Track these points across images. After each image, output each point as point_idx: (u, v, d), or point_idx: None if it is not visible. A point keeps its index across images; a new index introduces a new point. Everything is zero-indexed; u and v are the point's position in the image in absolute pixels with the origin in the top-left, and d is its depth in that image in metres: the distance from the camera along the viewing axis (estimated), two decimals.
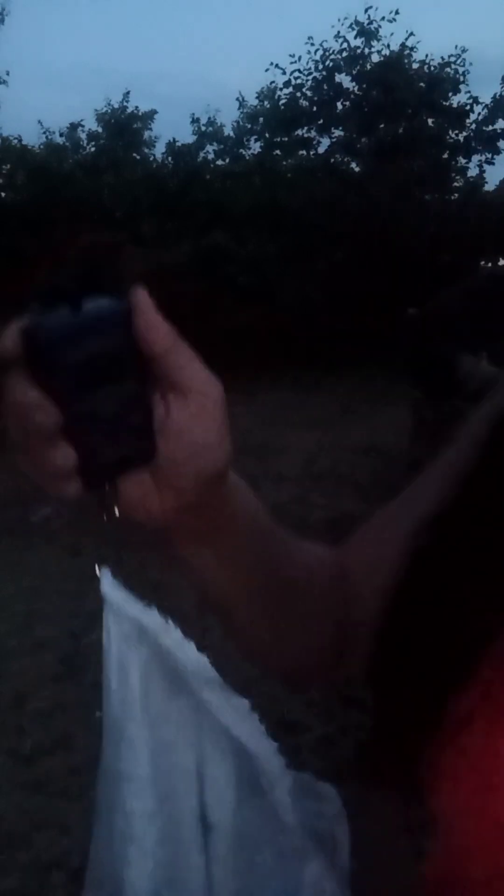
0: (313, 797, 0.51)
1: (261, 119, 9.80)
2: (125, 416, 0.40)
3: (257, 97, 9.77)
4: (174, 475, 0.42)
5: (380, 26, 9.25)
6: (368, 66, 9.30)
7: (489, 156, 9.67)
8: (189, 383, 0.41)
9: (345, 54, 9.34)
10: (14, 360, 0.38)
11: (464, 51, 9.40)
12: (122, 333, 0.39)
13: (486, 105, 9.49)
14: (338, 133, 9.59)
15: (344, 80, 9.45)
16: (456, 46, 9.45)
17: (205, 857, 0.46)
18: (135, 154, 10.55)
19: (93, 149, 10.38)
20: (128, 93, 11.29)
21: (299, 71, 9.46)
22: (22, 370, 0.38)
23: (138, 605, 0.44)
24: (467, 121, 9.53)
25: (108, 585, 0.44)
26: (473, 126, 9.53)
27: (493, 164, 9.71)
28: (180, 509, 0.43)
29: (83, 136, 10.73)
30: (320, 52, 9.38)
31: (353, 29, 9.27)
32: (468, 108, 9.49)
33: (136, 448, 0.41)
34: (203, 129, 10.40)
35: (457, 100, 9.49)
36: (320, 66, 9.41)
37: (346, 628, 0.55)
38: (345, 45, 9.31)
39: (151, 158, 10.50)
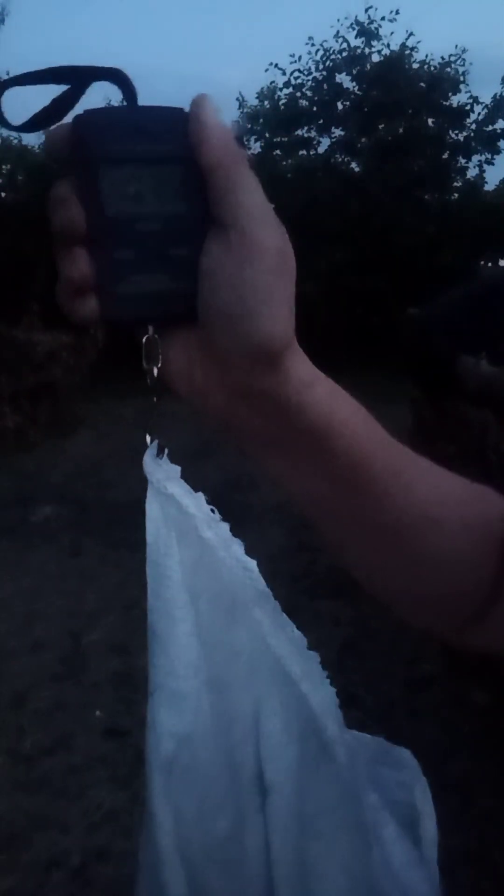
0: (388, 763, 0.45)
1: (261, 119, 9.78)
2: (166, 241, 0.33)
3: (257, 97, 9.75)
4: (220, 340, 0.34)
5: (380, 26, 9.25)
6: (368, 66, 9.29)
7: (489, 156, 9.66)
8: (244, 218, 0.33)
9: (345, 54, 9.33)
10: (61, 149, 0.33)
11: (464, 51, 9.39)
12: (177, 141, 0.33)
13: (486, 105, 9.49)
14: (338, 133, 9.58)
15: (344, 80, 9.44)
16: (456, 46, 9.44)
17: (262, 823, 0.40)
18: None
19: None
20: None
21: (299, 71, 9.46)
22: (66, 163, 0.33)
23: (184, 488, 0.37)
24: (467, 121, 9.52)
25: (151, 462, 0.37)
26: (473, 126, 9.52)
27: (493, 164, 9.71)
28: (231, 392, 0.35)
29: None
30: (320, 52, 9.37)
31: (353, 29, 9.27)
32: (468, 108, 9.48)
33: (176, 290, 0.33)
34: None
35: (457, 100, 9.48)
36: (320, 66, 9.40)
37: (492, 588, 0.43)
38: (345, 45, 9.31)
39: None
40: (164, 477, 0.37)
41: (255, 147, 10.01)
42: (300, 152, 9.73)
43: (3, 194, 9.23)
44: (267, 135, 9.82)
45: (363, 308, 7.89)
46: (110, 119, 0.33)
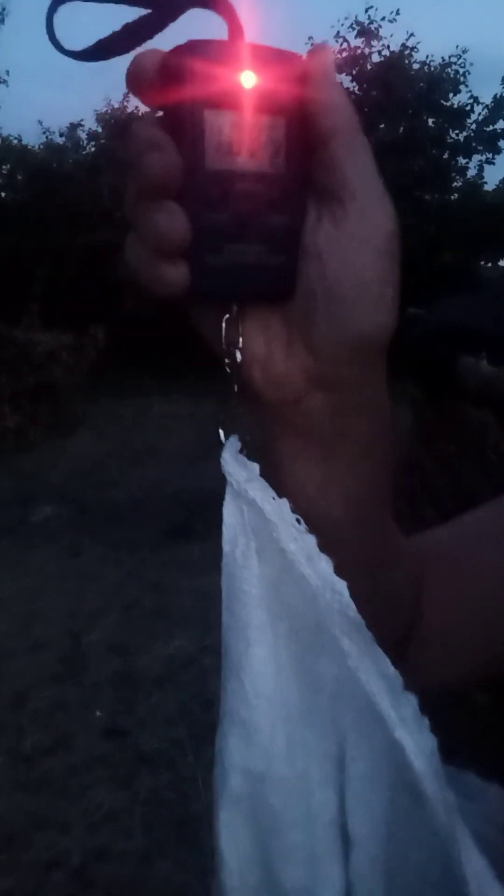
0: (479, 800, 0.40)
1: None
2: (266, 207, 0.29)
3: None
4: (316, 325, 0.30)
5: (380, 26, 9.25)
6: (369, 66, 9.29)
7: (489, 156, 9.66)
8: (356, 190, 0.29)
9: (345, 54, 9.33)
10: (151, 82, 0.28)
11: (464, 51, 9.40)
12: (289, 92, 0.28)
13: (487, 105, 9.49)
14: None
15: (344, 80, 9.44)
16: (457, 47, 9.46)
17: (341, 877, 0.35)
18: None
19: (93, 149, 10.37)
20: (128, 93, 11.26)
21: None
22: (156, 99, 0.29)
23: (267, 492, 0.32)
24: (467, 121, 9.52)
25: (231, 460, 0.32)
26: (473, 126, 9.52)
27: (494, 164, 9.71)
28: (316, 383, 0.31)
29: (83, 136, 10.72)
30: None
31: (353, 29, 9.27)
32: (468, 108, 9.48)
33: (271, 263, 0.29)
34: None
35: (457, 100, 9.49)
36: None
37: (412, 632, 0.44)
38: (345, 45, 9.31)
39: None
40: (245, 478, 0.32)
41: None
42: None
43: (3, 194, 9.23)
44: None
45: None
46: (217, 55, 0.27)
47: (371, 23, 9.25)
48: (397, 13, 9.20)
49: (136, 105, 10.97)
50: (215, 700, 0.34)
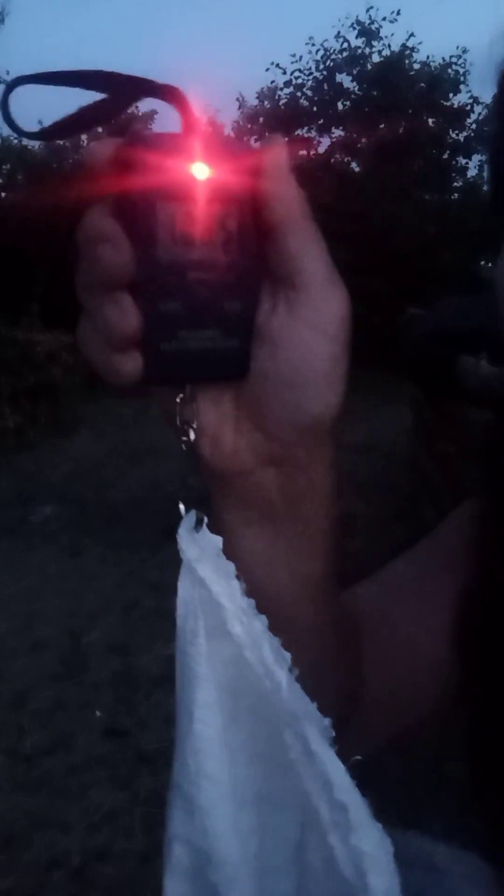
0: (430, 869, 0.38)
1: (261, 119, 9.78)
2: (220, 293, 0.29)
3: (257, 97, 9.76)
4: (267, 406, 0.31)
5: (381, 26, 9.25)
6: (369, 66, 9.29)
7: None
8: (309, 278, 0.30)
9: (345, 54, 9.33)
10: (103, 170, 0.28)
11: (465, 51, 9.39)
12: (239, 182, 0.29)
13: (487, 105, 9.46)
14: (338, 133, 9.59)
15: (344, 80, 9.45)
16: (457, 47, 9.44)
17: None
18: None
19: None
20: None
21: (300, 71, 9.47)
22: (108, 188, 0.28)
23: (220, 571, 0.32)
24: (467, 121, 9.53)
25: (186, 536, 0.32)
26: (473, 126, 9.52)
27: None
28: (264, 460, 0.32)
29: (83, 136, 10.70)
30: (321, 52, 9.38)
31: (354, 29, 9.27)
32: (468, 108, 9.48)
33: (225, 347, 0.30)
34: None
35: (457, 100, 9.49)
36: (321, 66, 9.41)
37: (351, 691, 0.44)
38: (346, 44, 9.31)
39: None
40: (196, 556, 0.32)
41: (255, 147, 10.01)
42: (300, 152, 9.72)
43: (3, 194, 9.23)
44: (267, 135, 9.81)
45: (363, 308, 7.89)
46: (170, 147, 0.28)
47: (372, 23, 9.25)
48: (398, 13, 9.20)
49: (135, 105, 10.93)
50: None
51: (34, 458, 5.03)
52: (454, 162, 9.64)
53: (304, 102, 9.56)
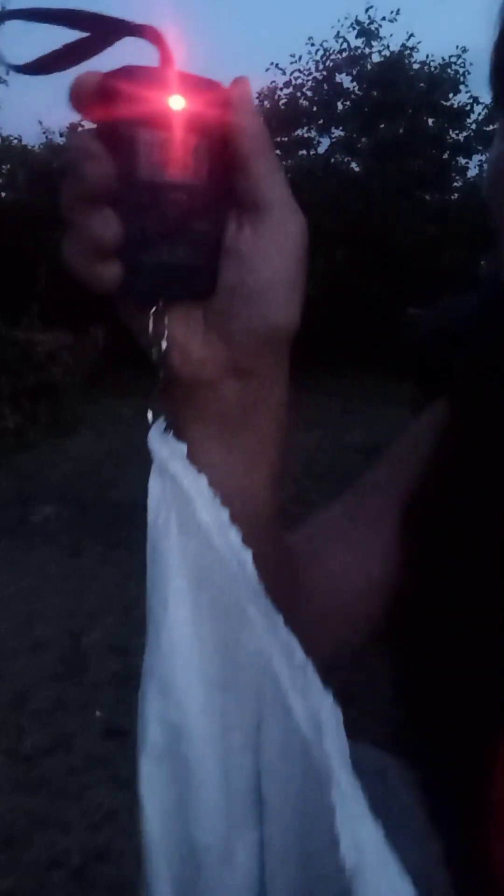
0: (374, 773, 0.40)
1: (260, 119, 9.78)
2: (191, 214, 0.33)
3: (257, 97, 9.74)
4: (233, 317, 0.34)
5: (380, 26, 9.25)
6: (369, 66, 9.29)
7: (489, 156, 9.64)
8: (272, 203, 0.33)
9: (345, 54, 9.34)
10: (89, 99, 0.31)
11: (464, 51, 9.40)
12: (212, 115, 0.32)
13: (487, 105, 9.48)
14: (338, 133, 9.59)
15: (344, 80, 9.45)
16: (457, 47, 9.44)
17: (256, 842, 0.37)
18: None
19: None
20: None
21: (299, 71, 9.47)
22: (95, 115, 0.31)
23: (188, 469, 0.35)
24: (467, 121, 9.53)
25: (157, 438, 0.36)
26: (473, 126, 9.52)
27: None
28: (227, 366, 0.35)
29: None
30: (321, 52, 9.38)
31: (353, 29, 9.27)
32: (468, 108, 9.48)
33: (195, 264, 0.33)
34: None
35: (457, 100, 9.49)
36: (321, 66, 9.41)
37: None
38: (345, 45, 9.31)
39: None
40: (168, 455, 0.36)
41: None
42: (300, 152, 9.73)
43: (3, 194, 9.23)
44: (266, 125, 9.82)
45: (363, 308, 7.89)
46: (149, 79, 0.31)
47: (371, 23, 9.25)
48: (397, 13, 9.20)
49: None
50: None
51: (34, 458, 5.03)
52: (454, 162, 9.64)
53: (303, 102, 9.56)
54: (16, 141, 9.33)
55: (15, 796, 2.01)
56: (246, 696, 0.36)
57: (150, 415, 0.37)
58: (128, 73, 0.30)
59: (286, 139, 9.63)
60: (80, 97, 0.31)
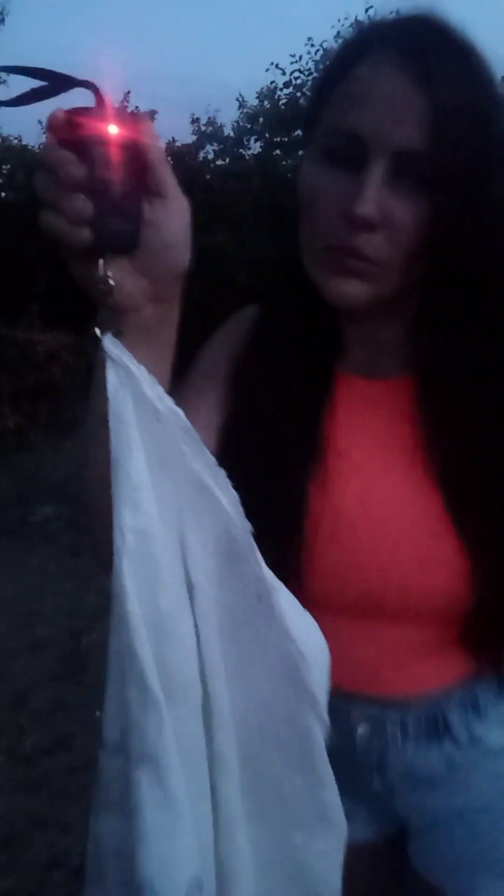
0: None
1: (261, 119, 9.79)
2: (127, 199, 0.51)
3: (257, 97, 9.77)
4: (150, 263, 0.52)
5: None
6: None
7: None
8: (169, 190, 0.52)
9: None
10: (61, 127, 0.48)
11: None
12: (134, 139, 0.50)
13: None
14: None
15: None
16: None
17: (193, 618, 0.53)
18: None
19: None
20: (128, 93, 11.30)
21: (299, 71, 9.47)
22: (66, 136, 0.49)
23: (133, 361, 0.52)
24: None
25: (110, 343, 0.52)
26: None
27: None
28: (147, 295, 0.53)
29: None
30: (321, 53, 9.38)
31: (353, 29, 9.27)
32: None
33: (129, 228, 0.52)
34: (203, 129, 10.41)
35: None
36: (320, 67, 9.41)
37: None
38: None
39: None
40: (119, 353, 0.51)
41: (255, 147, 10.04)
42: (300, 152, 9.72)
43: (3, 194, 9.24)
44: (267, 135, 9.84)
45: None
46: (97, 114, 0.49)
47: None
48: (398, 13, 9.20)
49: (135, 105, 10.96)
50: None
51: (34, 458, 5.03)
52: None
53: (303, 102, 9.56)
54: (16, 141, 9.34)
55: (15, 796, 2.01)
56: (175, 512, 0.52)
57: (97, 330, 0.52)
58: (83, 110, 0.49)
59: (286, 139, 9.63)
60: (54, 124, 0.48)
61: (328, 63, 0.69)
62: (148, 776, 0.48)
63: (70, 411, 5.75)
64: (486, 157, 0.59)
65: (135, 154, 0.50)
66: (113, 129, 0.49)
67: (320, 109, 0.65)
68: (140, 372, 0.51)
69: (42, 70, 0.50)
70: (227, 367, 0.75)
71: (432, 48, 0.60)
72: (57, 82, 0.49)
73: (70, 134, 0.48)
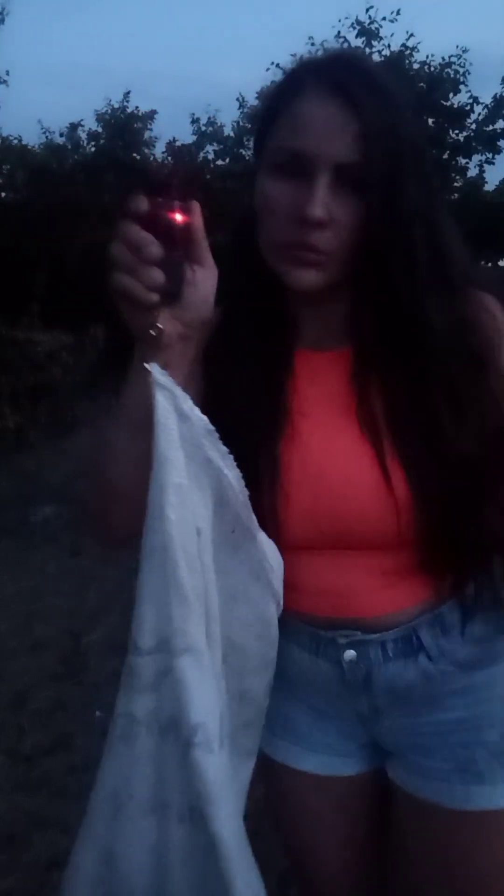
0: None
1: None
2: (178, 265, 0.68)
3: (257, 97, 9.76)
4: (186, 313, 0.69)
5: (381, 26, 9.28)
6: None
7: (489, 156, 9.67)
8: (205, 260, 0.70)
9: None
10: (136, 215, 0.65)
11: (464, 51, 9.41)
12: (186, 225, 0.68)
13: (487, 105, 9.49)
14: None
15: None
16: (457, 47, 9.48)
17: (199, 562, 0.71)
18: (135, 154, 10.54)
19: (93, 149, 10.37)
20: (128, 93, 11.30)
21: None
22: (141, 224, 0.64)
23: (170, 381, 0.68)
24: (467, 121, 9.54)
25: (157, 371, 0.68)
26: (473, 126, 9.53)
27: (494, 164, 9.74)
28: (181, 336, 0.70)
29: (83, 136, 10.73)
30: (321, 52, 9.37)
31: (353, 29, 9.29)
32: (468, 108, 9.49)
33: (177, 287, 0.68)
34: (203, 129, 10.40)
35: (457, 100, 9.50)
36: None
37: None
38: (345, 44, 9.31)
39: (151, 158, 10.49)
40: (163, 378, 0.68)
41: None
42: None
43: (3, 194, 9.23)
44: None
45: None
46: (165, 200, 0.67)
47: (371, 23, 9.27)
48: (398, 13, 9.21)
49: (135, 105, 10.94)
50: None
51: (34, 458, 5.03)
52: (454, 162, 9.65)
53: None
54: (16, 141, 9.34)
55: (15, 796, 2.01)
56: (200, 475, 0.71)
57: (146, 364, 0.68)
58: (155, 198, 0.66)
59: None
60: (135, 207, 0.64)
61: (268, 99, 0.81)
62: (191, 662, 0.70)
63: (70, 411, 5.75)
64: (401, 166, 0.73)
65: (187, 233, 0.67)
66: (178, 217, 0.66)
67: (266, 136, 0.78)
68: (177, 391, 0.68)
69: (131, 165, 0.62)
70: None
71: (357, 80, 0.73)
72: (138, 176, 0.60)
73: (146, 216, 0.64)
